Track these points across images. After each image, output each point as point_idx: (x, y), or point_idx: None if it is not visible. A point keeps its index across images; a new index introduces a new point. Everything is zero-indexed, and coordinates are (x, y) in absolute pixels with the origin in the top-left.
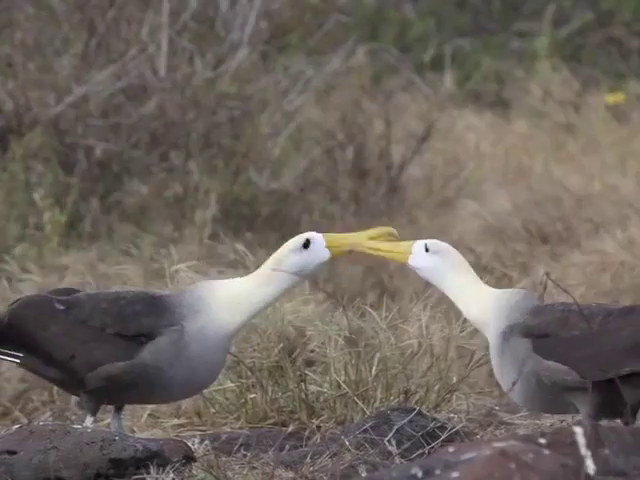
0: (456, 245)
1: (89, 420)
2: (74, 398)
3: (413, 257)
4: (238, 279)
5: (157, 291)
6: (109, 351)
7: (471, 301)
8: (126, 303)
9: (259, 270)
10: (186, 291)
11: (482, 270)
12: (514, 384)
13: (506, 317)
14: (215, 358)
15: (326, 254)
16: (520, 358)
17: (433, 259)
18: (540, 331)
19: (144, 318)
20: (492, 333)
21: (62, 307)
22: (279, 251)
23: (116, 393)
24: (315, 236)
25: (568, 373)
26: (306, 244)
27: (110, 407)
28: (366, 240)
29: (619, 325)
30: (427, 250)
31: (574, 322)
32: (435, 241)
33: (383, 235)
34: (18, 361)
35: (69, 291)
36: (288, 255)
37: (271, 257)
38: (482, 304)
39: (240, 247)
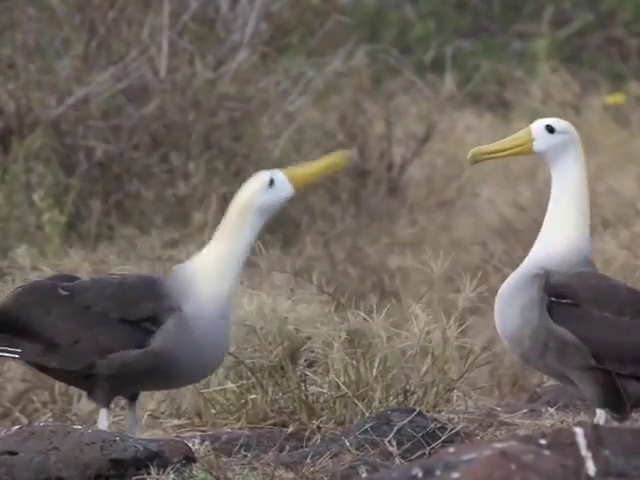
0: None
1: (104, 413)
2: (82, 394)
3: (537, 142)
4: (208, 248)
5: (155, 274)
6: (115, 336)
7: (565, 214)
8: (129, 288)
9: (221, 229)
10: (173, 274)
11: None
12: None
13: (559, 261)
14: (219, 332)
15: (290, 189)
16: (536, 311)
17: (558, 138)
18: (567, 295)
19: (147, 302)
20: (528, 265)
21: (66, 293)
22: (242, 196)
23: (130, 381)
24: (277, 172)
25: (580, 349)
26: (271, 182)
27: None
28: (323, 164)
29: None
30: (552, 131)
31: (607, 301)
32: (558, 120)
33: (339, 158)
34: (17, 356)
35: (69, 277)
36: (256, 196)
37: (233, 205)
38: (566, 231)
39: None
